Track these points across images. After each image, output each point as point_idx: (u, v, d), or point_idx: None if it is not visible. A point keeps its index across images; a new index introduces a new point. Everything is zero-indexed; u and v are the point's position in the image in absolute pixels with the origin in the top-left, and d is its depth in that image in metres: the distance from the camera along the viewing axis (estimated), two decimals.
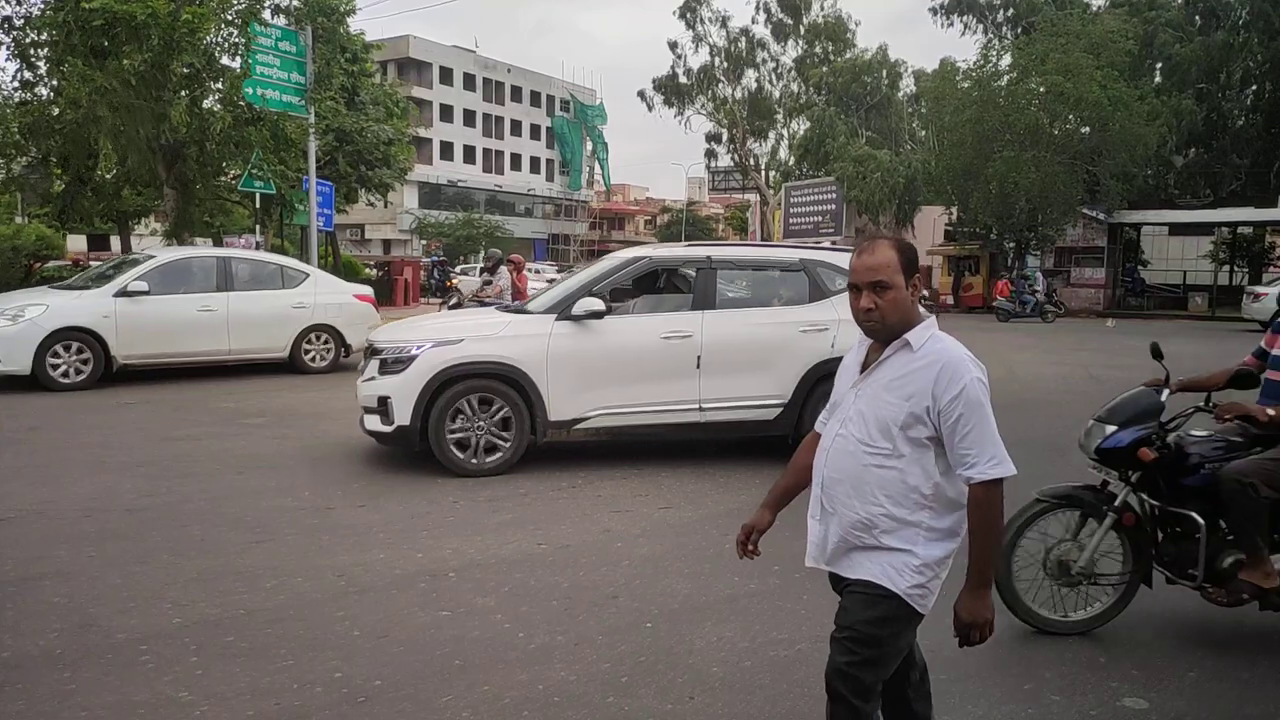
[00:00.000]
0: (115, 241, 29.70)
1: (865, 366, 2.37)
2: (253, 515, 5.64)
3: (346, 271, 27.68)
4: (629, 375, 6.88)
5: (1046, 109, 29.30)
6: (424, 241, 47.58)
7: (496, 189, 68.35)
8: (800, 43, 48.50)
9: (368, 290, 13.31)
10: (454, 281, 23.32)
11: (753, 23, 49.82)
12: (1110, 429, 3.83)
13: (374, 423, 6.79)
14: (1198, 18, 34.95)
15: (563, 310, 6.91)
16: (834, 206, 40.90)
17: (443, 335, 6.85)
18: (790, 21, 48.13)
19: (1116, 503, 3.83)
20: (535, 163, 72.72)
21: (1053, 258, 32.43)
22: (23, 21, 17.33)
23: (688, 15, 49.06)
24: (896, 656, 2.33)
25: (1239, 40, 33.47)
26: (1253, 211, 30.86)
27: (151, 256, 11.72)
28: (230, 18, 16.81)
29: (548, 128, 72.63)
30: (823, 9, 47.61)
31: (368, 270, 30.99)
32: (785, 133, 51.45)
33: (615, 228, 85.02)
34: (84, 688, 3.40)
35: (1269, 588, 3.65)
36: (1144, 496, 3.91)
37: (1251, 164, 34.07)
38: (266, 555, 4.91)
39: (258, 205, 21.21)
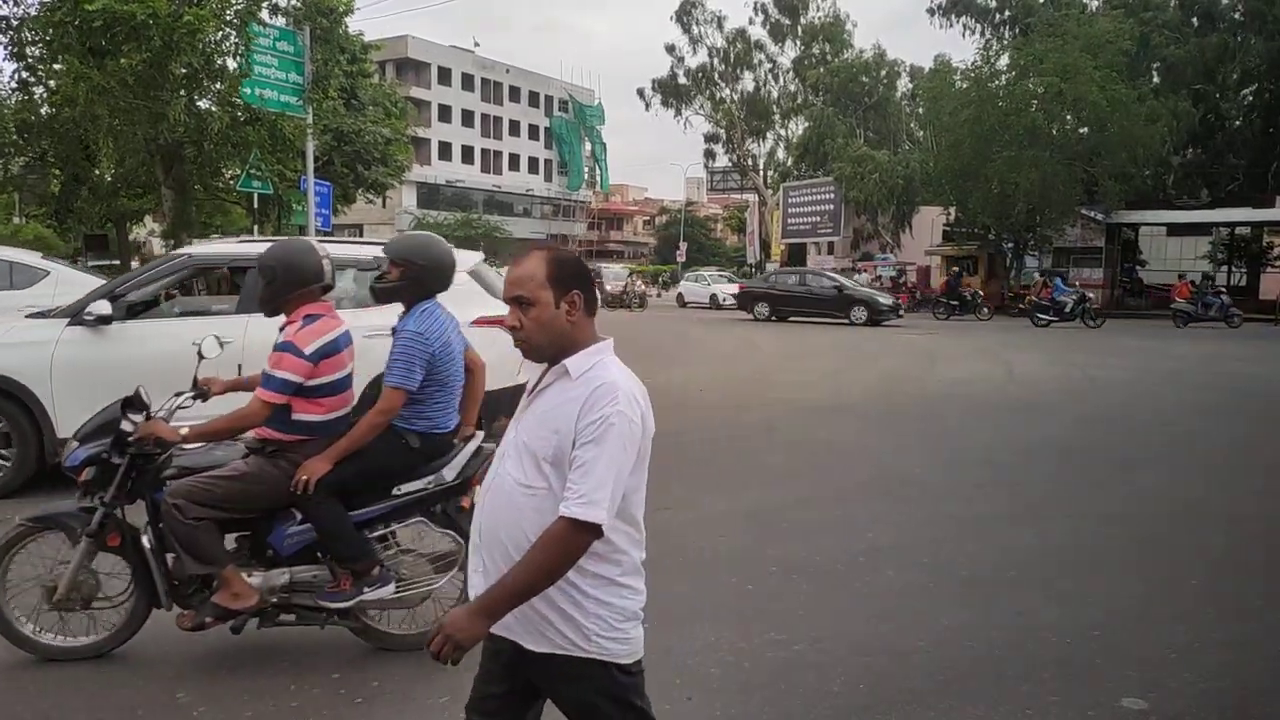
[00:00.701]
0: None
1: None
2: None
3: None
4: (155, 387, 6.30)
5: (1045, 109, 29.34)
6: None
7: (495, 189, 68.38)
8: (797, 43, 48.63)
9: None
10: None
11: (750, 24, 49.98)
12: (74, 445, 3.54)
13: None
14: (1194, 19, 35.00)
15: (75, 314, 6.11)
16: (832, 207, 40.99)
17: None
18: (788, 22, 48.22)
19: (91, 525, 3.49)
20: (534, 163, 72.76)
21: (1051, 258, 32.49)
22: (19, 22, 17.34)
23: (684, 19, 49.19)
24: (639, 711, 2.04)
25: (1235, 41, 33.52)
26: (1250, 212, 30.91)
27: None
28: (229, 18, 16.82)
29: (546, 128, 72.67)
30: (820, 10, 47.76)
31: None
32: (783, 133, 51.63)
33: (614, 228, 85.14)
34: (80, 689, 3.39)
35: (238, 609, 3.43)
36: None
37: (1249, 164, 34.13)
38: None
39: (255, 205, 21.20)
